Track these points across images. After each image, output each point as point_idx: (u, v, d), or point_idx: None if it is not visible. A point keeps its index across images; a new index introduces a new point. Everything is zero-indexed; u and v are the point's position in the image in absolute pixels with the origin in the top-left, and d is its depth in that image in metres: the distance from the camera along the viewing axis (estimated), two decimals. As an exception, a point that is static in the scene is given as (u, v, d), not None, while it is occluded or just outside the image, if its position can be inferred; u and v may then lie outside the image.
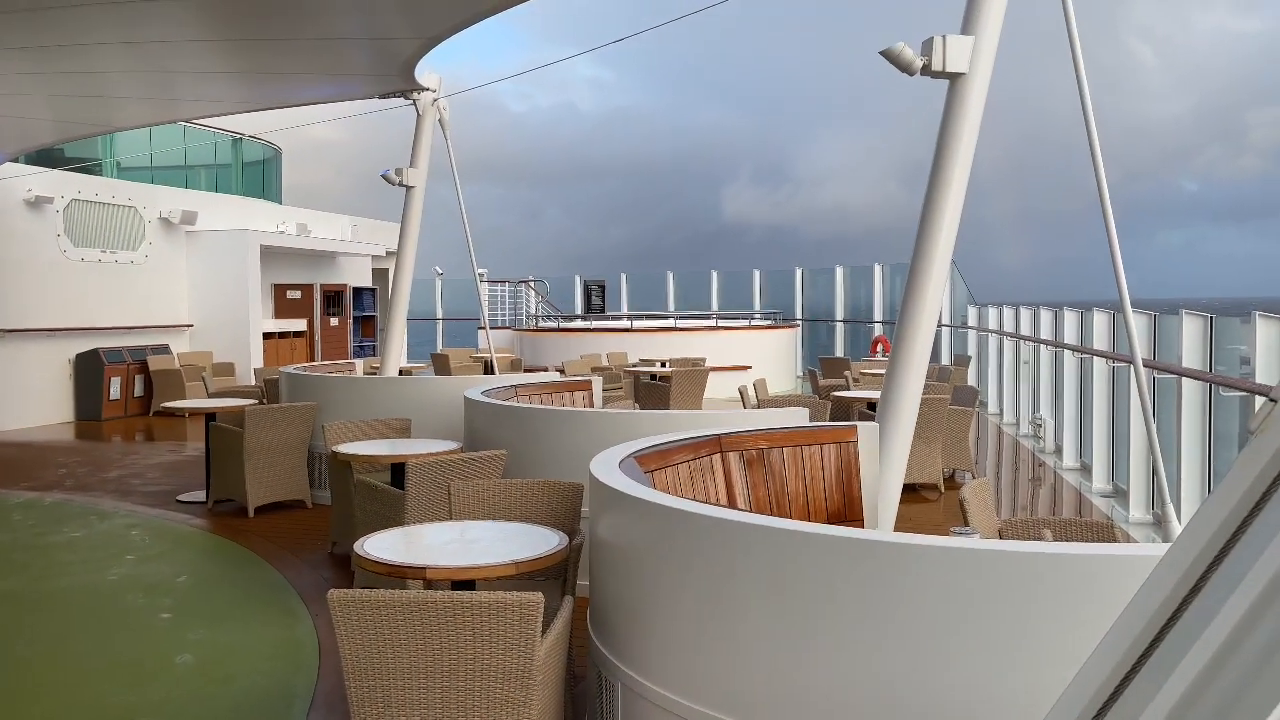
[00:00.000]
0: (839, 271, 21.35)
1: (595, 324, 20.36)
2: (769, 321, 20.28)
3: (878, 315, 20.17)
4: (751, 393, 9.66)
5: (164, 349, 15.38)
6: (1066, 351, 10.38)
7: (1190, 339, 6.96)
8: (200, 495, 8.27)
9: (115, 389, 14.28)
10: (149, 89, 10.04)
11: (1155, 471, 4.64)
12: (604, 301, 23.75)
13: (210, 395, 10.90)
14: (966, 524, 3.97)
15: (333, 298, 18.67)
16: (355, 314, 19.41)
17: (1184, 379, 6.80)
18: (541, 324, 21.74)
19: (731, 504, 4.21)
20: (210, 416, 8.18)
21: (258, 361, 16.04)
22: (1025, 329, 12.59)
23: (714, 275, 23.32)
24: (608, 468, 3.55)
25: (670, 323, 19.80)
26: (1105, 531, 4.20)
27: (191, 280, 16.40)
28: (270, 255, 16.99)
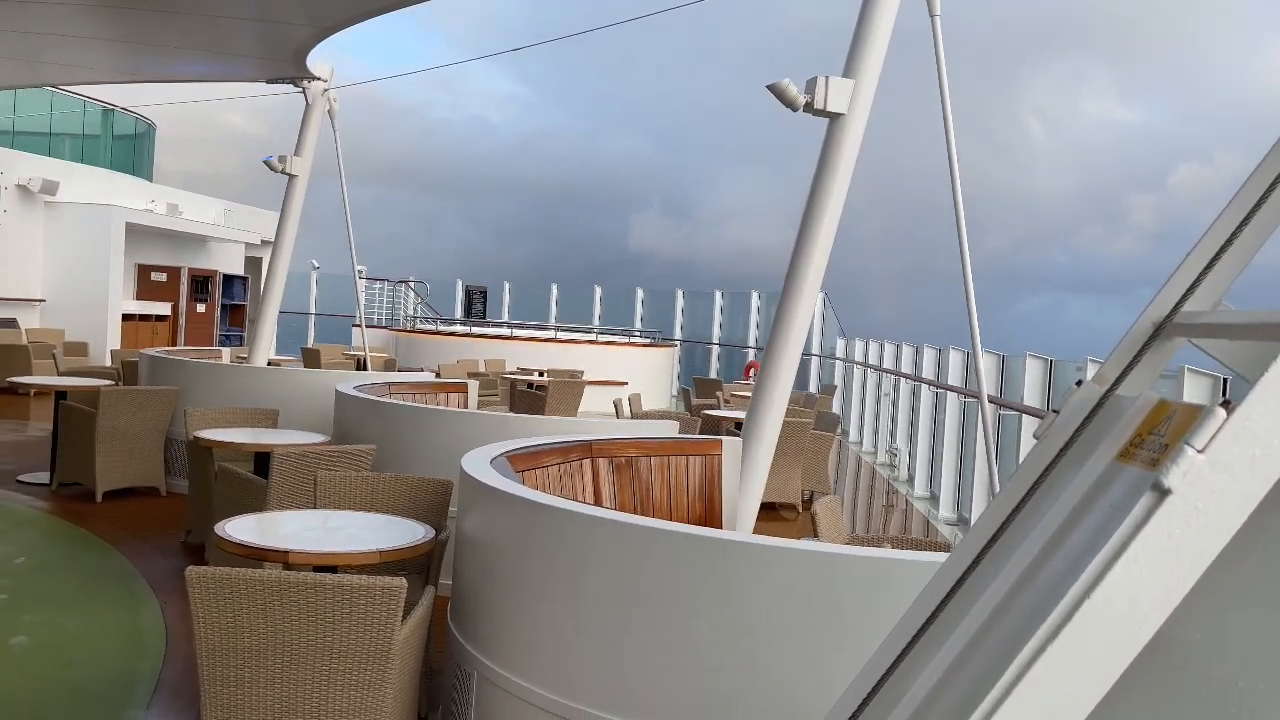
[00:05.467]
0: (717, 296, 21.88)
1: (475, 330, 20.22)
2: (648, 340, 20.58)
3: (752, 340, 20.74)
4: (626, 406, 9.84)
5: (11, 323, 14.53)
6: (923, 386, 10.96)
7: (1032, 379, 7.50)
8: (44, 477, 7.87)
9: (-47, 362, 13.39)
10: (15, 49, 9.55)
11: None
12: (485, 308, 23.61)
13: (61, 374, 10.38)
14: (816, 536, 4.20)
15: (201, 283, 18.00)
16: (224, 301, 18.75)
17: (1024, 415, 7.32)
18: (419, 326, 21.46)
19: (598, 506, 4.33)
20: (61, 395, 7.81)
21: (115, 343, 15.31)
22: (889, 363, 13.21)
23: (597, 291, 23.52)
24: (479, 464, 3.62)
25: (551, 334, 19.86)
26: (943, 550, 4.51)
27: (48, 253, 15.55)
28: (136, 234, 16.26)
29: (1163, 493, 0.95)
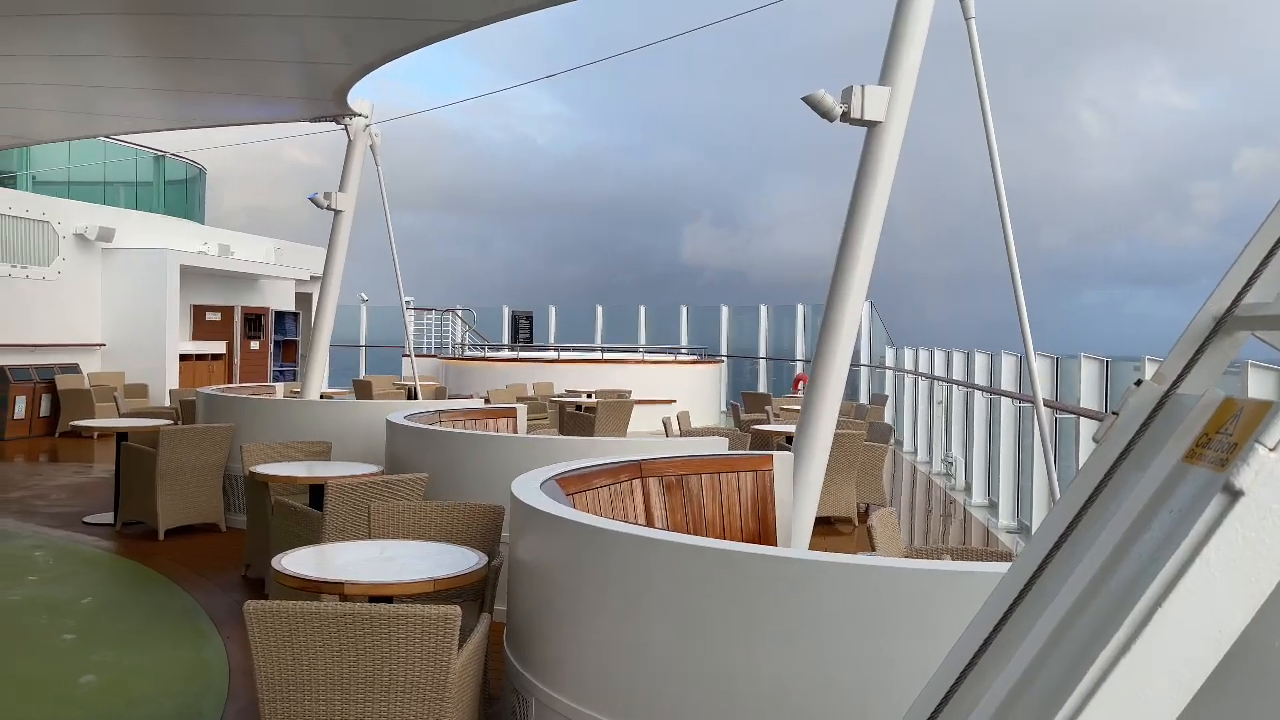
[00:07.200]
0: (762, 310, 21.77)
1: (522, 354, 20.34)
2: (694, 357, 20.52)
3: (800, 353, 20.59)
4: (675, 424, 9.81)
5: (74, 368, 14.91)
6: (976, 392, 10.77)
7: (1088, 381, 7.33)
8: (108, 517, 8.04)
9: (20, 408, 13.78)
10: (70, 102, 9.86)
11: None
12: (531, 332, 23.74)
13: (122, 415, 10.62)
14: (874, 549, 4.13)
15: (253, 320, 18.35)
16: (276, 338, 19.09)
17: (1081, 418, 7.15)
18: (467, 353, 21.64)
19: (650, 527, 4.31)
20: (122, 436, 7.99)
21: (173, 383, 15.65)
22: (940, 370, 13.02)
23: (641, 310, 23.54)
24: (529, 488, 3.62)
25: (597, 355, 19.89)
26: (1004, 559, 4.40)
27: (106, 298, 15.96)
28: (190, 275, 16.64)
29: (1234, 494, 0.90)
